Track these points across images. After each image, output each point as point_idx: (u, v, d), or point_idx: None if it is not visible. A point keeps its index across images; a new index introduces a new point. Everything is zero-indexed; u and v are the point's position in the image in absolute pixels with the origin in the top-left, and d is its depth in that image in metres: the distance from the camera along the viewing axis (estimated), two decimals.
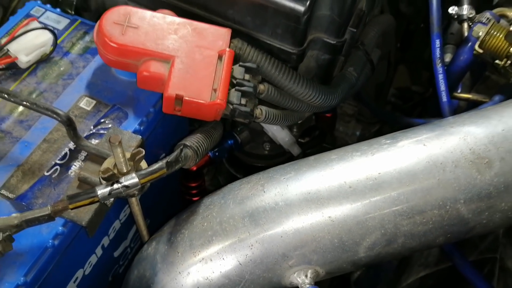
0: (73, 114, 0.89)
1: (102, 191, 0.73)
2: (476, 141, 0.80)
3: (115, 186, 0.73)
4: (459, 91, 1.44)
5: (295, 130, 1.25)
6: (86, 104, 0.90)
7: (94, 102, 0.91)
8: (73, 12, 1.07)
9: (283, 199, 0.80)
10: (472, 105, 1.48)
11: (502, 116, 0.82)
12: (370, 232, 0.78)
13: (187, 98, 0.84)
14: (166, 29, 0.89)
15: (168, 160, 0.78)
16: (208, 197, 0.89)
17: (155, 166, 0.77)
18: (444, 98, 1.13)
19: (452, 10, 1.34)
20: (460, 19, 1.35)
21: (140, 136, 0.87)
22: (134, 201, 0.91)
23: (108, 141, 0.71)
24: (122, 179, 0.74)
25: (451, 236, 0.81)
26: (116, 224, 0.98)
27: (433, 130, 0.84)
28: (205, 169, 1.41)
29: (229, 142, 1.16)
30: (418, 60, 1.96)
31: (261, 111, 0.93)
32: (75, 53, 0.97)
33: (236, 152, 1.23)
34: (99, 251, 0.94)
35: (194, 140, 0.85)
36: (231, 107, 0.88)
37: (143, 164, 0.81)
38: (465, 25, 1.31)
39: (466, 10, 1.35)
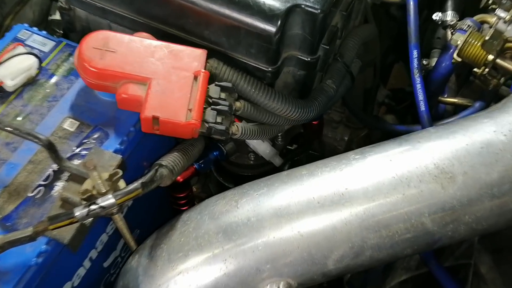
0: (57, 135, 0.93)
1: (80, 212, 0.77)
2: (441, 156, 0.83)
3: (92, 207, 0.78)
4: (445, 95, 1.46)
5: (280, 139, 1.29)
6: (70, 125, 0.95)
7: (77, 123, 0.95)
8: (61, 32, 1.11)
9: (255, 215, 0.84)
10: (458, 109, 1.50)
11: (467, 130, 0.85)
12: (338, 246, 0.81)
13: (163, 119, 0.88)
14: (143, 52, 0.92)
15: (143, 181, 0.82)
16: (186, 212, 0.93)
17: (131, 186, 0.81)
18: (422, 107, 1.16)
19: (436, 16, 1.36)
20: (444, 25, 1.37)
21: (120, 156, 0.91)
22: (117, 218, 0.95)
23: (84, 165, 0.75)
24: (99, 200, 0.78)
25: (418, 247, 0.84)
26: (103, 237, 1.02)
27: (401, 145, 0.87)
28: (195, 179, 1.46)
29: (215, 153, 1.20)
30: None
31: (238, 127, 0.97)
32: (60, 75, 1.01)
33: (223, 162, 1.27)
34: (87, 263, 0.98)
35: (170, 160, 0.89)
36: (206, 125, 0.92)
37: (122, 183, 0.86)
38: (448, 31, 1.33)
39: (449, 16, 1.37)
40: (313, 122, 1.41)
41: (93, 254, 1.00)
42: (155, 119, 0.88)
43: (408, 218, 0.81)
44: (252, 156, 1.24)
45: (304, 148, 1.36)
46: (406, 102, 2.02)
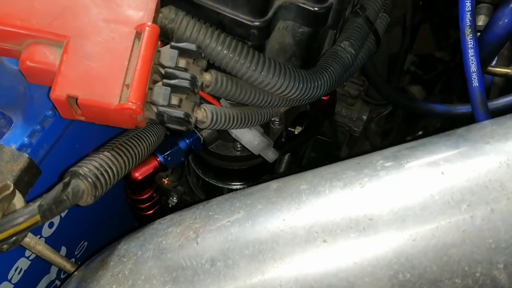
0: None
1: None
2: None
3: None
4: (494, 63, 1.13)
5: (277, 121, 0.96)
6: None
7: None
8: None
9: (223, 257, 0.53)
10: (510, 83, 1.17)
11: None
12: None
13: (84, 100, 0.57)
14: None
15: (42, 203, 0.51)
16: (125, 241, 0.62)
17: (24, 212, 0.50)
18: (475, 82, 0.82)
19: None
20: None
21: (27, 155, 0.60)
22: (29, 244, 0.65)
23: None
24: None
25: None
26: (22, 264, 0.73)
27: (457, 145, 0.55)
28: (167, 172, 1.15)
29: (187, 141, 0.88)
30: (444, 20, 1.63)
31: (206, 113, 0.65)
32: None
33: (200, 152, 0.95)
34: None
35: (92, 165, 0.57)
36: (155, 110, 0.60)
37: (18, 201, 0.55)
38: None
39: None
40: (323, 98, 1.08)
41: (7, 286, 0.71)
42: (72, 100, 0.57)
43: (471, 269, 0.49)
44: (239, 145, 0.92)
45: (310, 132, 1.03)
46: (435, 70, 1.69)
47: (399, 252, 0.50)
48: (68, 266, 0.78)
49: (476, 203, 0.50)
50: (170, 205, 1.17)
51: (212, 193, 1.09)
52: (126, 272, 0.57)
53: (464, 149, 0.54)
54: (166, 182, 1.13)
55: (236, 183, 1.03)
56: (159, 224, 0.61)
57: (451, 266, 0.50)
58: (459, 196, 0.51)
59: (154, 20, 0.61)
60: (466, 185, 0.51)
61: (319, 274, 0.51)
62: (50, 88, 0.63)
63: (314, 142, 1.17)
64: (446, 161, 0.53)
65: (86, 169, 0.56)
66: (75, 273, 0.66)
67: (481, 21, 1.10)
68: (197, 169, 1.04)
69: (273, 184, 0.59)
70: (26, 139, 0.63)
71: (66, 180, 0.54)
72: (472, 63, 0.83)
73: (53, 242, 0.78)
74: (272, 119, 0.92)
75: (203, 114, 0.65)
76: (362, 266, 0.51)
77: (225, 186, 1.03)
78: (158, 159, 0.87)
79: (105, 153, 0.60)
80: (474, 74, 0.83)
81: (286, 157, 1.08)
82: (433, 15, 1.69)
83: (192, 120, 0.62)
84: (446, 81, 1.61)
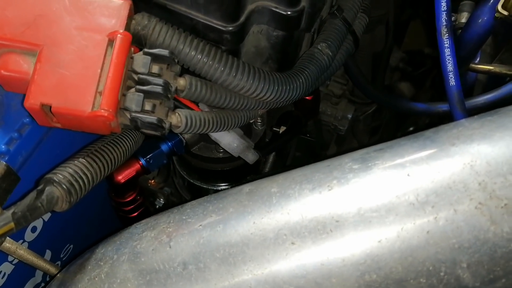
0: None
1: None
2: (490, 170, 0.51)
3: None
4: (477, 60, 1.14)
5: (259, 121, 0.97)
6: None
7: None
8: None
9: (195, 260, 0.54)
10: (493, 79, 1.17)
11: None
12: None
13: (57, 108, 0.57)
14: (31, 6, 0.61)
15: (16, 211, 0.52)
16: (103, 244, 0.63)
17: None
18: (452, 81, 0.83)
19: None
20: None
21: (4, 163, 0.61)
22: (10, 249, 0.66)
23: None
24: None
25: None
26: (6, 268, 0.74)
27: (424, 147, 0.56)
28: (153, 174, 1.16)
29: (169, 144, 0.89)
30: (433, 16, 1.64)
31: (180, 117, 0.66)
32: None
33: (183, 154, 0.96)
34: None
35: (67, 172, 0.58)
36: (128, 116, 0.61)
37: None
38: None
39: None
40: (306, 98, 1.09)
41: None
42: (47, 107, 0.58)
43: (436, 269, 0.51)
44: (220, 147, 0.93)
45: (292, 132, 1.04)
46: (424, 67, 1.70)
47: (366, 253, 0.51)
48: (52, 269, 0.79)
49: (440, 205, 0.51)
50: (157, 206, 1.18)
51: (198, 194, 1.10)
52: (103, 275, 0.58)
53: (430, 151, 0.55)
54: (152, 183, 1.14)
55: (221, 184, 1.04)
56: (135, 228, 0.62)
57: (416, 267, 0.51)
58: (423, 198, 0.52)
59: (127, 27, 0.62)
60: (430, 186, 0.52)
61: (288, 276, 0.52)
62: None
63: (298, 142, 1.17)
64: (412, 163, 0.54)
65: (61, 176, 0.57)
66: (56, 276, 0.67)
67: (464, 18, 1.10)
68: (182, 171, 1.05)
69: (246, 188, 0.60)
70: (3, 146, 0.64)
71: (40, 187, 0.55)
72: (449, 63, 0.84)
73: (37, 246, 0.79)
74: (254, 120, 0.93)
75: (178, 119, 0.66)
76: (329, 268, 0.52)
77: (210, 187, 1.04)
78: (140, 162, 0.88)
79: (80, 159, 0.61)
80: (450, 73, 0.84)
81: (271, 157, 1.09)
82: (422, 11, 1.69)
83: (166, 125, 0.63)
84: (435, 77, 1.62)
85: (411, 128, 1.63)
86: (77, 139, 0.77)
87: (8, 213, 0.52)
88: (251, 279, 0.53)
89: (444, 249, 0.50)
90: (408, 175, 0.53)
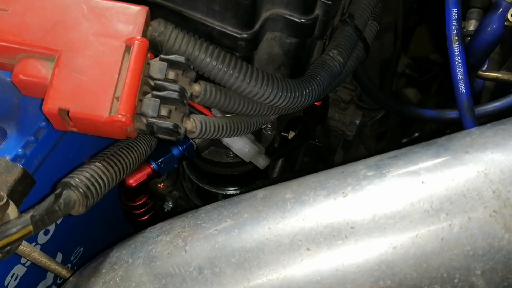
0: None
1: None
2: (504, 178, 0.52)
3: None
4: (485, 67, 1.15)
5: (269, 127, 0.98)
6: None
7: None
8: None
9: (210, 264, 0.55)
10: (501, 86, 1.18)
11: None
12: None
13: (75, 112, 0.58)
14: (50, 12, 0.62)
15: (35, 214, 0.52)
16: (117, 248, 0.64)
17: (17, 223, 0.52)
18: (462, 89, 0.83)
19: None
20: None
21: (21, 166, 0.62)
22: (25, 251, 0.67)
23: None
24: None
25: None
26: (18, 270, 0.75)
27: (438, 155, 0.56)
28: (162, 178, 1.17)
29: (180, 148, 0.90)
30: (439, 22, 1.64)
31: (195, 123, 0.67)
32: None
33: (194, 158, 0.97)
34: None
35: (84, 176, 0.59)
36: (145, 121, 0.62)
37: (12, 211, 0.57)
38: None
39: None
40: (315, 103, 1.09)
41: None
42: (64, 112, 0.59)
43: (450, 276, 0.51)
44: (231, 152, 0.94)
45: (301, 137, 1.05)
46: (430, 73, 1.70)
47: (380, 259, 0.52)
48: (63, 272, 0.79)
49: (454, 212, 0.52)
50: (165, 210, 1.18)
51: (206, 198, 1.10)
52: (118, 279, 0.58)
53: (444, 159, 0.56)
54: (161, 187, 1.15)
55: (230, 189, 1.05)
56: (150, 232, 0.63)
57: (430, 273, 0.51)
58: (438, 205, 0.52)
59: (144, 33, 0.63)
60: (445, 194, 0.53)
61: (303, 281, 0.53)
62: (43, 100, 0.65)
63: (307, 147, 1.18)
64: (427, 170, 0.55)
65: (78, 180, 0.57)
66: (70, 279, 0.68)
67: (472, 25, 1.11)
68: (191, 175, 1.06)
69: (260, 193, 0.61)
70: (20, 150, 0.64)
71: (58, 191, 0.56)
72: (459, 70, 0.85)
73: (48, 248, 0.80)
74: (264, 126, 0.94)
75: (193, 124, 0.66)
76: (344, 273, 0.52)
77: (219, 192, 1.05)
78: (152, 166, 0.89)
79: (96, 163, 0.61)
80: (461, 81, 0.85)
81: (280, 162, 1.10)
82: (428, 18, 1.70)
83: (181, 131, 0.64)
84: (441, 83, 1.62)
85: (416, 134, 1.64)
86: (90, 143, 0.78)
87: (27, 216, 0.52)
88: (266, 284, 0.53)
89: (458, 256, 0.51)
90: (422, 182, 0.54)
